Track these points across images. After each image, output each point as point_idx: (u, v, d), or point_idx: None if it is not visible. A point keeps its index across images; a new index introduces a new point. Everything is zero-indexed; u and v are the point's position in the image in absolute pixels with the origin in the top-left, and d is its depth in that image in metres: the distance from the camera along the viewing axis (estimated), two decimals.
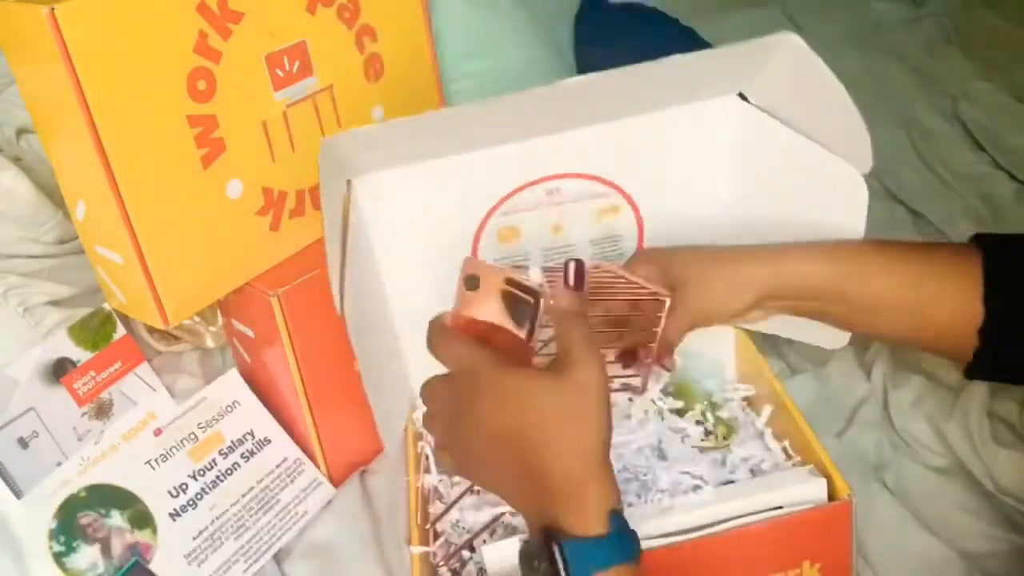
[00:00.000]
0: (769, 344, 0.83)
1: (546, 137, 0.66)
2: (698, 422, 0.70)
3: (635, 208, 0.71)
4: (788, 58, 0.59)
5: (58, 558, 0.66)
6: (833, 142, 0.63)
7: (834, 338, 0.71)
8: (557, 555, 0.45)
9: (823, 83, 0.58)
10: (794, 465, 0.65)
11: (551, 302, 0.50)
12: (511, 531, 0.63)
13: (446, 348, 0.50)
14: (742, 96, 0.67)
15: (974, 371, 0.59)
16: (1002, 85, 1.19)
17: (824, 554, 0.58)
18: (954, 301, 0.56)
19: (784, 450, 0.67)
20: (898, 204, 1.04)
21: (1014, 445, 0.72)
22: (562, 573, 0.45)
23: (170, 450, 0.72)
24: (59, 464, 0.71)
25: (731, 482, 0.64)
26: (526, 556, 0.47)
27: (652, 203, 0.71)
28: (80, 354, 0.76)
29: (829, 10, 1.39)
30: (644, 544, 0.48)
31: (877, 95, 1.16)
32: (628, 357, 0.67)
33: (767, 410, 0.69)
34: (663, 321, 0.63)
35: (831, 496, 0.60)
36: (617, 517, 0.46)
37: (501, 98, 0.56)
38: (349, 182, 0.65)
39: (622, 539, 0.46)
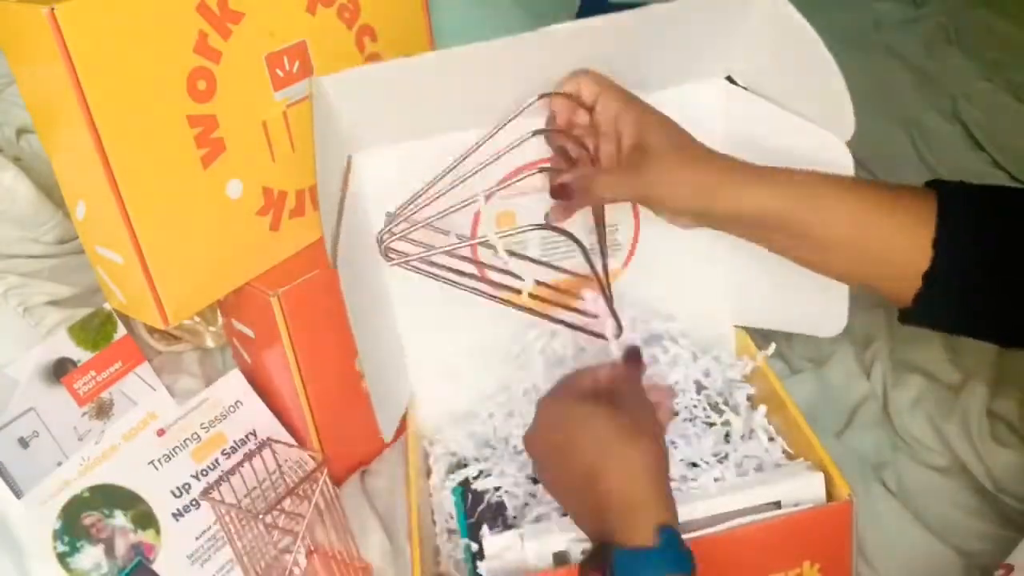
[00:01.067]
0: (768, 342, 0.83)
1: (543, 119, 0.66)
2: (698, 419, 0.70)
3: None
4: (768, 13, 0.59)
5: (62, 558, 0.66)
6: (815, 107, 0.63)
7: (828, 326, 0.70)
8: (608, 565, 0.48)
9: (802, 40, 0.58)
10: (793, 461, 0.65)
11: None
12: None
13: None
14: (730, 79, 0.67)
15: (911, 315, 0.58)
16: (1002, 85, 1.19)
17: (824, 554, 0.58)
18: (904, 240, 0.56)
19: (784, 448, 0.67)
20: None
21: (1014, 444, 0.72)
22: None
23: (173, 450, 0.72)
24: (59, 464, 0.71)
25: (729, 478, 0.64)
26: (583, 568, 0.51)
27: None
28: (80, 354, 0.76)
29: (829, 10, 1.38)
30: None
31: (877, 95, 1.16)
32: None
33: (762, 409, 0.69)
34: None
35: (831, 496, 0.60)
36: (668, 531, 0.49)
37: (494, 44, 0.58)
38: (349, 158, 0.65)
39: (672, 552, 0.48)
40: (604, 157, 0.62)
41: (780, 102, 0.65)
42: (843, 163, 0.63)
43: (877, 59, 1.28)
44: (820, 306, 0.70)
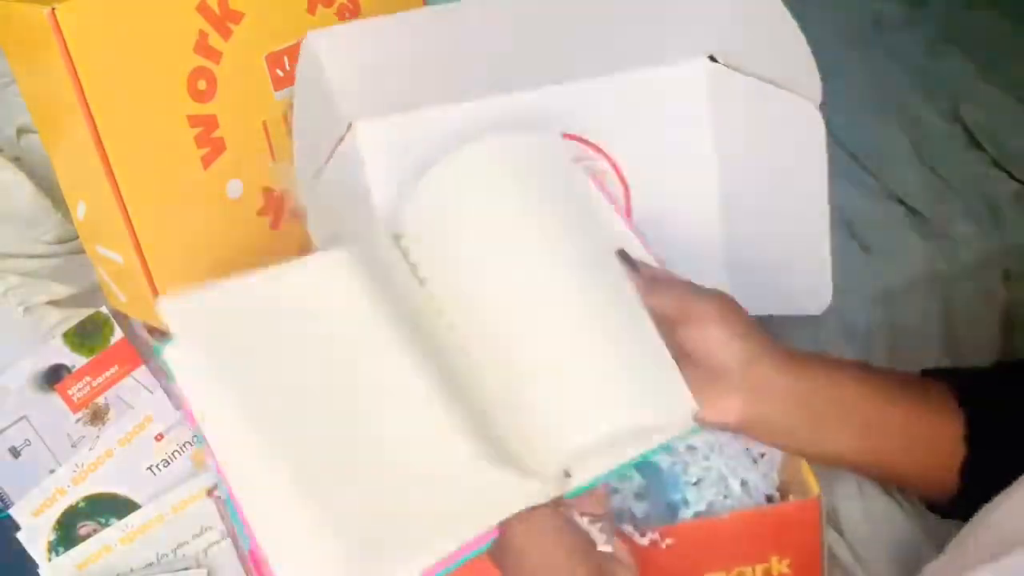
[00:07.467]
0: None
1: (534, 93, 0.65)
2: None
3: (620, 174, 0.70)
4: None
5: None
6: (784, 72, 0.62)
7: (813, 303, 0.69)
8: None
9: (768, 8, 0.58)
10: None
11: None
12: None
13: None
14: (712, 59, 0.67)
15: (957, 509, 0.55)
16: (1002, 85, 1.19)
17: (792, 550, 0.59)
18: (936, 446, 0.53)
19: None
20: (898, 204, 1.03)
21: None
22: None
23: (172, 455, 0.72)
24: (52, 472, 0.70)
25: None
26: None
27: (636, 173, 0.70)
28: (76, 360, 0.75)
29: (828, 9, 1.39)
30: None
31: (877, 95, 1.16)
32: None
33: None
34: None
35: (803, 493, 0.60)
36: None
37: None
38: (350, 124, 0.64)
39: None
40: None
41: (754, 73, 0.64)
42: (815, 127, 0.61)
43: (877, 59, 1.28)
44: (802, 281, 0.68)
